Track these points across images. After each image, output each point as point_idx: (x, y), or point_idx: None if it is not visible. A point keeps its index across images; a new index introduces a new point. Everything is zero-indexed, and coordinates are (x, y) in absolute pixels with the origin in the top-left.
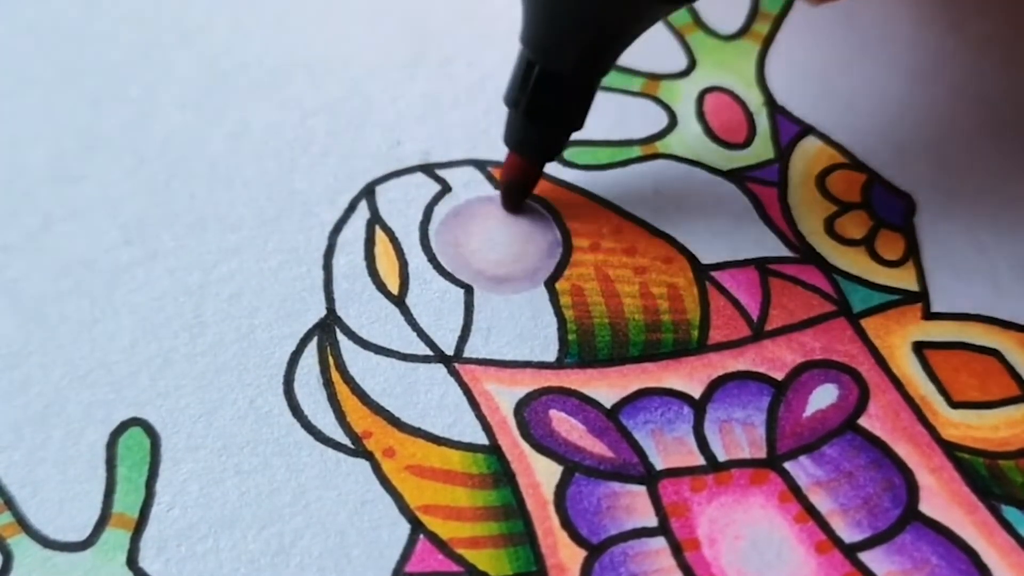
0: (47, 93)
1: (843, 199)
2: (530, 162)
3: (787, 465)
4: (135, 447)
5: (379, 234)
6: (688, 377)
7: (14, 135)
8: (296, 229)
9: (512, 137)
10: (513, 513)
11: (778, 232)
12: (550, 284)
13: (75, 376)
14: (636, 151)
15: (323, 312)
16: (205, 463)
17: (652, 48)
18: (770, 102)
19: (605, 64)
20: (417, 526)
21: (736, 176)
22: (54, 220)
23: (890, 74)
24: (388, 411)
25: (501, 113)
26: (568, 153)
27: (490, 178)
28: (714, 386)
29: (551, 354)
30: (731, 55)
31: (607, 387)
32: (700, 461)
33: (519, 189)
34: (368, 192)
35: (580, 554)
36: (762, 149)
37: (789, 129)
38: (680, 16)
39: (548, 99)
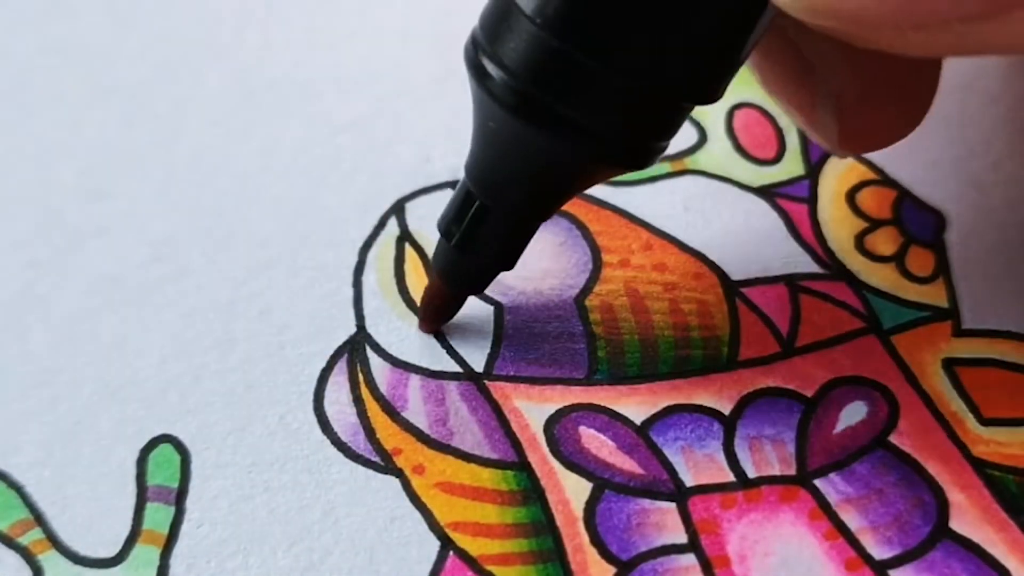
0: (76, 110)
1: (873, 215)
2: (452, 292)
3: (817, 482)
4: (165, 463)
5: (409, 251)
6: (718, 394)
7: (44, 152)
8: (326, 246)
9: (439, 265)
10: (543, 530)
11: (808, 248)
12: (580, 300)
13: (105, 393)
14: (666, 167)
15: (353, 329)
16: (235, 479)
17: None
18: None
19: (548, 211)
20: (447, 543)
21: (766, 192)
22: (84, 237)
23: None
24: (418, 428)
25: None
26: None
27: None
28: (744, 403)
29: (581, 371)
30: None
31: (637, 404)
32: (730, 478)
33: (439, 313)
34: (398, 209)
35: (610, 571)
36: (792, 165)
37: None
38: None
39: (483, 235)
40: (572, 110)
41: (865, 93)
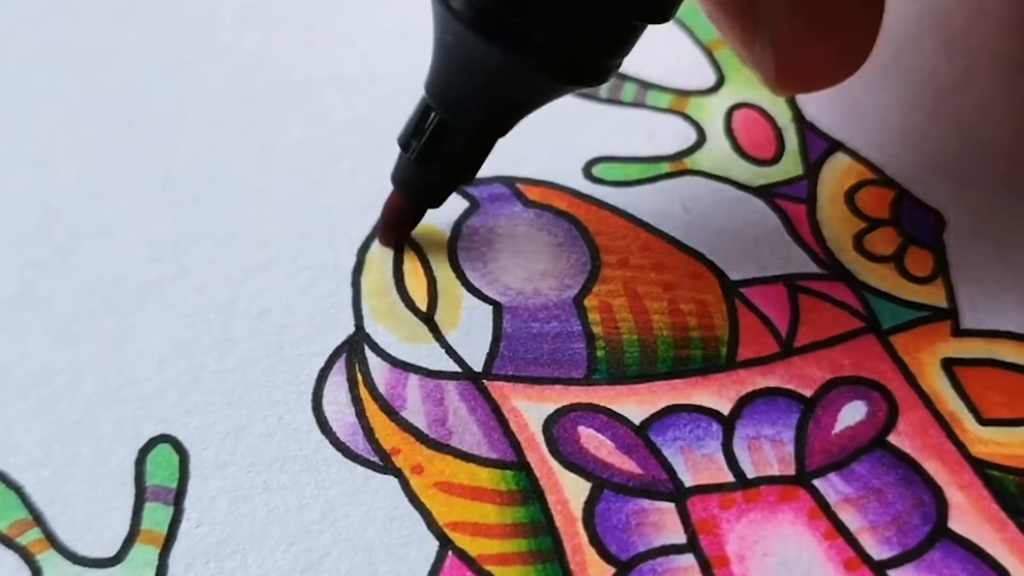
0: (76, 110)
1: (872, 215)
2: (412, 204)
3: (816, 482)
4: (164, 463)
5: (407, 251)
6: (717, 394)
7: (43, 152)
8: (325, 246)
9: (398, 177)
10: (542, 530)
11: (807, 248)
12: (578, 300)
13: (104, 393)
14: (665, 167)
15: (352, 329)
16: (234, 480)
17: (681, 65)
18: (799, 118)
19: (503, 127)
20: (446, 543)
21: (765, 192)
22: (83, 237)
23: (920, 90)
24: (417, 428)
25: (530, 129)
26: (597, 169)
27: (518, 195)
28: (743, 403)
29: (580, 371)
30: None
31: (636, 403)
32: (729, 478)
33: (399, 228)
34: None
35: (609, 571)
36: (791, 165)
37: (818, 145)
38: (708, 32)
39: (441, 149)
40: (527, 25)
41: (802, 28)
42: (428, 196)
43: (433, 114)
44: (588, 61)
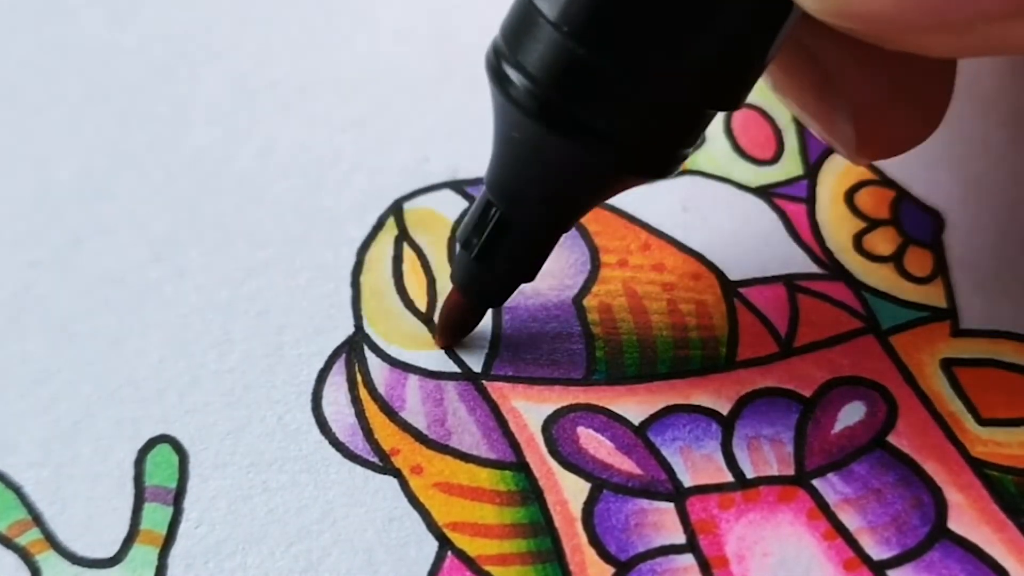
0: (75, 110)
1: (872, 216)
2: (473, 303)
3: (815, 482)
4: (163, 464)
5: (407, 251)
6: (716, 394)
7: (42, 152)
8: (324, 246)
9: (460, 276)
10: (541, 530)
11: (806, 249)
12: (578, 301)
13: (103, 393)
14: None
15: (351, 329)
16: (233, 480)
17: None
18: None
19: (569, 221)
20: (445, 543)
21: (764, 192)
22: (82, 237)
23: None
24: (416, 428)
25: None
26: None
27: None
28: (742, 403)
29: (579, 371)
30: None
31: (635, 404)
32: (728, 478)
33: (459, 327)
34: (396, 209)
35: (608, 571)
36: (791, 165)
37: (818, 145)
38: None
39: (503, 247)
40: (595, 117)
41: (881, 99)
42: (490, 296)
43: (495, 210)
44: (659, 152)
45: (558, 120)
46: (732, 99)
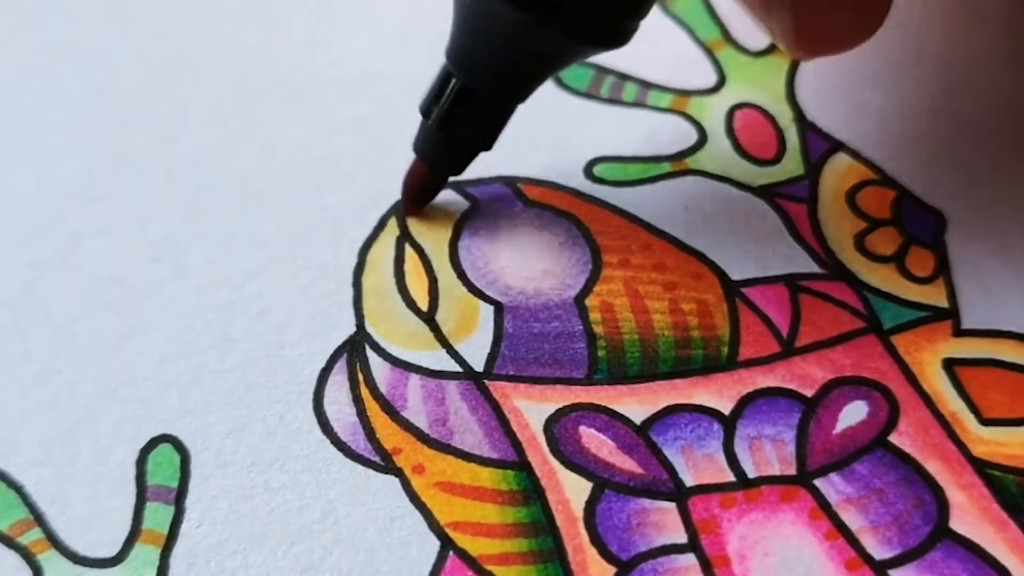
0: (76, 110)
1: (873, 215)
2: (433, 172)
3: (817, 482)
4: (165, 463)
5: (408, 251)
6: (718, 393)
7: (44, 152)
8: (325, 246)
9: (420, 146)
10: (543, 530)
11: (808, 248)
12: (579, 300)
13: (105, 393)
14: (666, 167)
15: (352, 329)
16: (234, 479)
17: (682, 64)
18: (800, 118)
19: (524, 91)
20: (447, 543)
21: (766, 192)
22: (84, 237)
23: (921, 90)
24: (418, 428)
25: (531, 129)
26: (598, 169)
27: (519, 194)
28: (744, 403)
29: (581, 370)
30: (761, 71)
31: (637, 403)
32: (730, 478)
33: (420, 196)
34: (397, 209)
35: (610, 570)
36: (792, 165)
37: (819, 145)
38: (710, 32)
39: (461, 115)
40: None
41: None
42: (450, 164)
43: (454, 80)
44: (609, 21)
45: None
46: None
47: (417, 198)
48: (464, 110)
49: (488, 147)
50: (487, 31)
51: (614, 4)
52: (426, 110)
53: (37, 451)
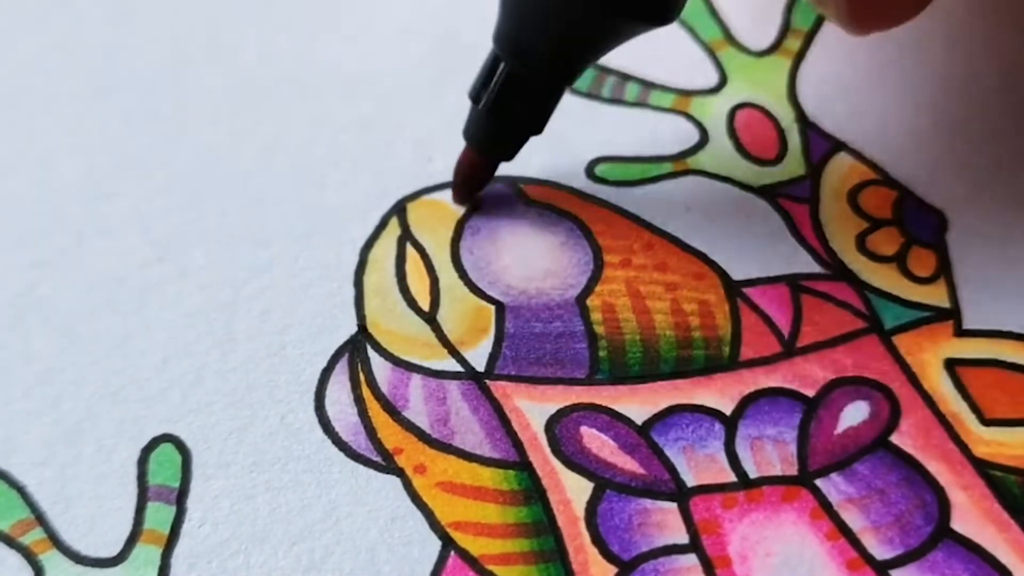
0: (78, 110)
1: (875, 215)
2: (484, 158)
3: (818, 482)
4: (166, 463)
5: (410, 251)
6: (719, 394)
7: (45, 152)
8: (327, 246)
9: (470, 132)
10: (544, 530)
11: (809, 248)
12: (581, 300)
13: (106, 392)
14: (667, 167)
15: (354, 329)
16: (236, 479)
17: (683, 64)
18: (802, 118)
19: (573, 73)
20: (448, 543)
21: (767, 192)
22: (86, 237)
23: (922, 91)
24: (419, 428)
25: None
26: (599, 169)
27: (521, 194)
28: (745, 403)
29: (582, 370)
30: (762, 71)
31: (638, 404)
32: (731, 478)
33: (471, 183)
34: (399, 209)
35: (611, 571)
36: (794, 165)
37: (821, 145)
38: (711, 32)
39: (511, 99)
40: None
41: None
42: (501, 149)
43: (502, 64)
44: None
45: None
46: None
47: (470, 184)
48: (514, 94)
49: (539, 131)
50: (537, 13)
51: None
52: (475, 95)
53: (39, 451)
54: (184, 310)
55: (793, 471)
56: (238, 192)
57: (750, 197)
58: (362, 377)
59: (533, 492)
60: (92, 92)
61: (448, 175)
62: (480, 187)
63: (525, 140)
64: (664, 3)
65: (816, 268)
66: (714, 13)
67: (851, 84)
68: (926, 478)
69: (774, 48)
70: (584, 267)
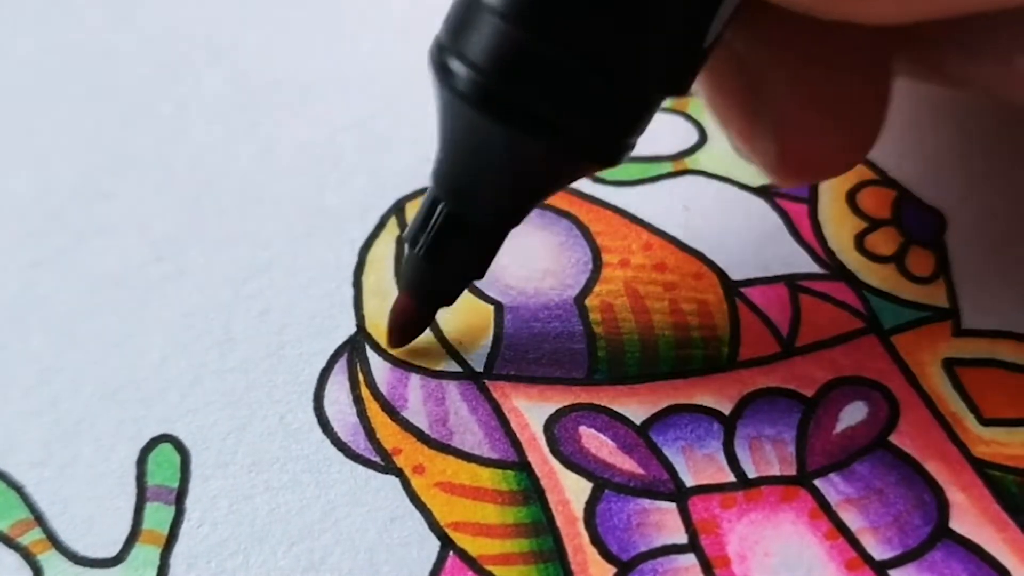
0: (77, 110)
1: (873, 215)
2: (421, 308)
3: (817, 482)
4: (165, 463)
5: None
6: (718, 394)
7: (44, 152)
8: (326, 246)
9: (406, 278)
10: (543, 530)
11: (808, 248)
12: (579, 300)
13: (105, 392)
14: (666, 167)
15: (353, 329)
16: (235, 479)
17: None
18: None
19: (518, 215)
20: (447, 543)
21: (766, 192)
22: (84, 237)
23: (921, 91)
24: (418, 428)
25: None
26: None
27: None
28: (744, 403)
29: (581, 370)
30: None
31: (637, 403)
32: (730, 478)
33: (408, 331)
34: (398, 209)
35: (610, 571)
36: None
37: None
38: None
39: (450, 244)
40: (541, 106)
41: (807, 114)
42: (439, 298)
43: (441, 206)
44: (606, 140)
45: (502, 110)
46: (678, 82)
47: (405, 333)
48: (454, 238)
49: (480, 276)
50: (476, 153)
51: (613, 122)
52: (412, 239)
53: (37, 451)
54: (183, 310)
55: (792, 471)
56: (237, 192)
57: (749, 197)
58: (361, 377)
59: (532, 492)
60: (91, 92)
61: None
62: (418, 333)
63: (465, 287)
64: (618, 148)
65: (815, 268)
66: None
67: None
68: (925, 478)
69: None
70: (583, 267)
